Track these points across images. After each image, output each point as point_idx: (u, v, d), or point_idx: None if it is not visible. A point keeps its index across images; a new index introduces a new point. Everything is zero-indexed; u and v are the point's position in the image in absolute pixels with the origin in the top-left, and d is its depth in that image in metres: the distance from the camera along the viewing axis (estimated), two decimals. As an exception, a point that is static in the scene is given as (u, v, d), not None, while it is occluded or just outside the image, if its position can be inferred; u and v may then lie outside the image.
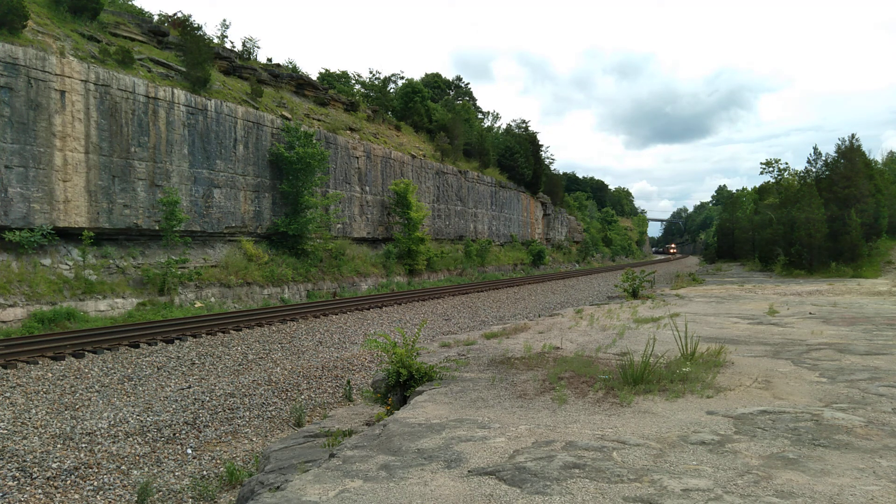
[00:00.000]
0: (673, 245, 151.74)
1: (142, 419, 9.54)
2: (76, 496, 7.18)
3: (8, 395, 10.43)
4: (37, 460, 7.76)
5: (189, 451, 8.74)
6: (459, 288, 33.56)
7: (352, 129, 35.74)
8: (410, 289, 32.79)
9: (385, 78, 54.20)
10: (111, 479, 7.64)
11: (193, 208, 23.73)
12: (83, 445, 8.39)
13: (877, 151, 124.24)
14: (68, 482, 7.42)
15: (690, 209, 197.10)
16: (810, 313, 14.19)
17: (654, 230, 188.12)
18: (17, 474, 7.39)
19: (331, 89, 41.06)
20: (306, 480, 4.34)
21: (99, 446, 8.44)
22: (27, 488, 7.15)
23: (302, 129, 28.63)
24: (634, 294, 21.14)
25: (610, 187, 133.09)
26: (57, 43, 19.85)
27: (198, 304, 21.69)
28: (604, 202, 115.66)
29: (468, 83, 72.11)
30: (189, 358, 13.88)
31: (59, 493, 7.18)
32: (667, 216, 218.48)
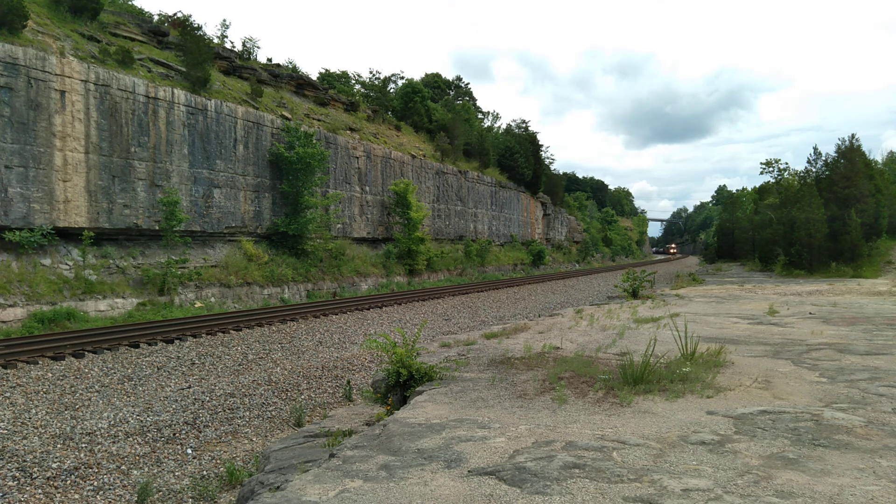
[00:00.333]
0: (673, 245, 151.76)
1: (142, 419, 9.54)
2: (76, 496, 7.18)
3: (8, 395, 10.43)
4: (37, 460, 7.76)
5: (189, 451, 8.74)
6: (459, 288, 33.56)
7: (352, 129, 35.74)
8: (410, 289, 32.79)
9: (385, 78, 54.24)
10: (111, 479, 7.64)
11: (193, 208, 23.73)
12: (83, 445, 8.39)
13: (877, 151, 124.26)
14: (68, 482, 7.42)
15: (690, 209, 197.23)
16: (810, 313, 14.19)
17: (654, 230, 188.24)
18: (17, 474, 7.39)
19: (331, 89, 41.06)
20: (306, 480, 4.34)
21: (99, 446, 8.44)
22: (27, 488, 7.15)
23: (302, 129, 28.63)
24: (634, 294, 21.15)
25: (610, 187, 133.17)
26: (57, 43, 19.85)
27: (198, 304, 21.69)
28: (604, 202, 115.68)
29: (468, 83, 72.14)
30: (189, 358, 13.88)
31: (59, 493, 7.18)
32: (667, 216, 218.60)
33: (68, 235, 19.64)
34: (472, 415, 5.91)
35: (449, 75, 72.01)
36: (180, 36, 26.65)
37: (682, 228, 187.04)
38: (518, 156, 58.36)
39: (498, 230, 54.02)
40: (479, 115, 70.87)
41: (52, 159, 18.80)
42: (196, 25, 29.09)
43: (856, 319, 12.83)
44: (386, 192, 36.64)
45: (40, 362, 12.69)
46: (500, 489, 3.94)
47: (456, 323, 20.73)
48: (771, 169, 56.95)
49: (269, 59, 37.60)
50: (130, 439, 8.79)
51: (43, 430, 8.89)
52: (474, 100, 70.93)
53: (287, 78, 34.50)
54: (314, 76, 45.38)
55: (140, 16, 27.93)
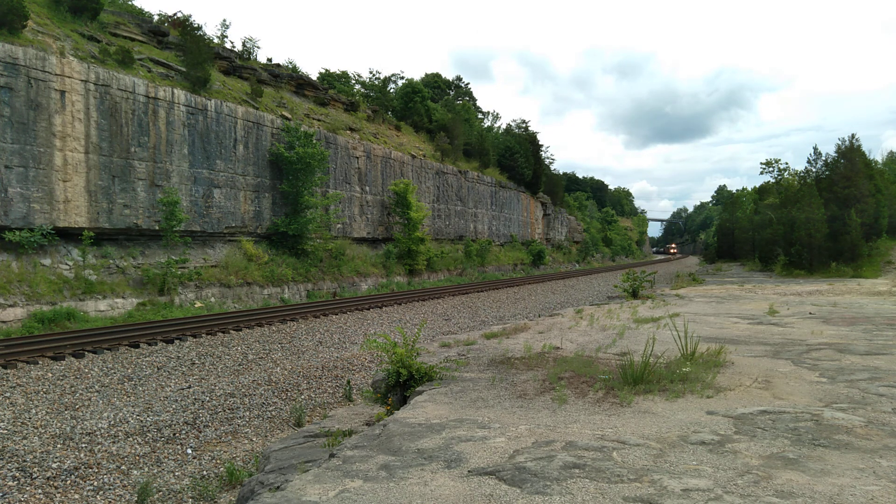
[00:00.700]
0: (673, 245, 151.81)
1: (142, 419, 9.54)
2: (76, 496, 7.18)
3: (8, 395, 10.43)
4: (37, 460, 7.76)
5: (189, 451, 8.74)
6: (459, 288, 33.56)
7: (352, 129, 35.74)
8: (410, 289, 32.79)
9: (385, 78, 54.24)
10: (111, 479, 7.64)
11: (193, 208, 23.74)
12: (83, 445, 8.39)
13: (877, 151, 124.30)
14: (68, 482, 7.42)
15: (690, 209, 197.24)
16: (810, 313, 14.19)
17: (654, 230, 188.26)
18: (17, 474, 7.39)
19: (331, 89, 41.06)
20: (306, 480, 4.34)
21: (99, 446, 8.44)
22: (27, 488, 7.15)
23: (302, 129, 28.63)
24: (634, 294, 21.15)
25: (610, 187, 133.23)
26: (57, 43, 19.85)
27: (198, 304, 21.69)
28: (604, 202, 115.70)
29: (468, 83, 72.14)
30: (189, 358, 13.88)
31: (59, 493, 7.18)
32: (667, 216, 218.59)
33: (68, 235, 19.64)
34: (472, 415, 5.91)
35: (449, 75, 72.07)
36: (180, 36, 26.65)
37: (682, 228, 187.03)
38: (518, 156, 58.36)
39: (498, 230, 54.02)
40: (479, 115, 70.89)
41: (52, 159, 18.80)
42: (196, 25, 29.11)
43: (856, 319, 12.83)
44: (386, 192, 36.64)
45: (40, 362, 12.69)
46: (500, 489, 3.94)
47: (456, 323, 20.73)
48: (771, 169, 57.00)
49: (269, 59, 37.62)
50: (130, 439, 8.79)
51: (43, 430, 8.89)
52: (474, 100, 70.95)
53: (287, 78, 34.50)
54: (314, 76, 45.41)
55: (140, 16, 27.93)
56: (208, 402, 10.55)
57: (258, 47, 40.86)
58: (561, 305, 26.36)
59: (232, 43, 34.81)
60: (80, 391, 10.96)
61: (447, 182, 44.86)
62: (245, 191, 26.28)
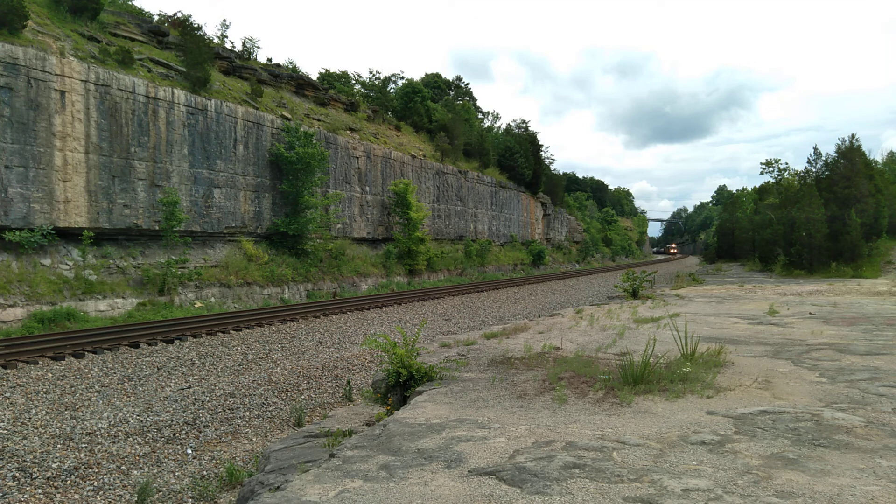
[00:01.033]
0: (674, 245, 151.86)
1: (142, 419, 9.54)
2: (76, 496, 7.18)
3: (8, 395, 10.43)
4: (37, 460, 7.76)
5: (189, 451, 8.74)
6: (459, 288, 33.56)
7: (352, 129, 35.74)
8: (410, 289, 32.79)
9: (385, 78, 54.26)
10: (111, 479, 7.64)
11: (193, 208, 23.74)
12: (83, 445, 8.39)
13: (877, 151, 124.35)
14: (68, 482, 7.42)
15: (690, 209, 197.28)
16: (810, 313, 14.19)
17: (654, 230, 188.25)
18: (17, 474, 7.39)
19: (331, 89, 41.07)
20: (306, 480, 4.34)
21: (99, 446, 8.44)
22: (27, 488, 7.15)
23: (302, 129, 28.63)
24: (634, 294, 21.15)
25: (610, 187, 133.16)
26: (57, 43, 19.85)
27: (198, 304, 21.69)
28: (604, 202, 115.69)
29: (468, 83, 72.15)
30: (189, 358, 13.88)
31: (59, 493, 7.18)
32: (667, 216, 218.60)
33: (68, 235, 19.64)
34: (472, 415, 5.91)
35: (448, 75, 72.05)
36: (180, 36, 26.65)
37: (682, 228, 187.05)
38: (518, 156, 58.37)
39: (498, 230, 54.03)
40: (479, 115, 70.91)
41: (52, 159, 18.81)
42: (196, 25, 29.11)
43: (856, 319, 12.83)
44: (386, 192, 36.65)
45: (40, 362, 12.69)
46: (500, 489, 3.94)
47: (456, 323, 20.73)
48: (771, 169, 57.01)
49: (269, 59, 37.62)
50: (130, 439, 8.79)
51: (43, 430, 8.89)
52: (474, 100, 70.98)
53: (287, 78, 34.50)
54: (314, 76, 45.41)
55: (140, 16, 27.93)
56: (208, 402, 10.55)
57: (258, 47, 40.89)
58: (561, 305, 26.36)
59: (232, 43, 34.84)
60: (80, 391, 10.96)
61: (447, 182, 44.87)
62: (245, 191, 26.28)
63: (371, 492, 3.99)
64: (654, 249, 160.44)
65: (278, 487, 4.34)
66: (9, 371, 11.84)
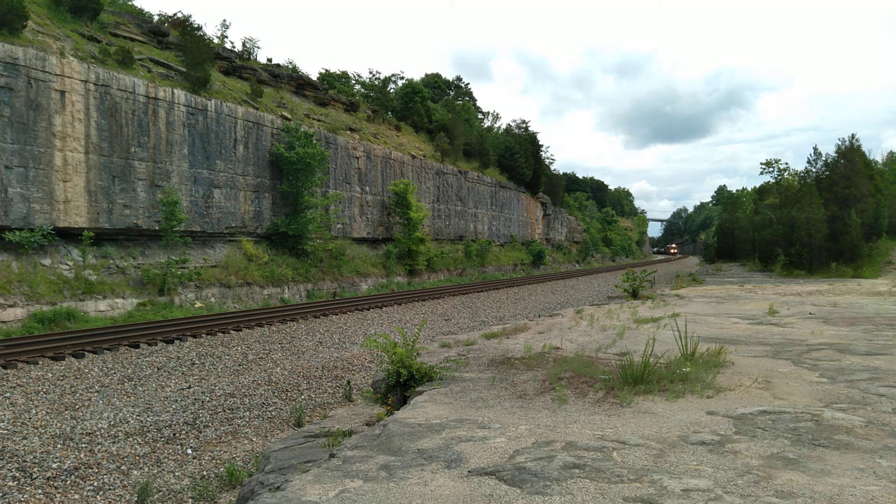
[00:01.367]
0: (674, 245, 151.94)
1: (142, 419, 9.54)
2: (76, 496, 7.18)
3: (8, 395, 10.42)
4: (37, 460, 7.76)
5: (189, 451, 8.74)
6: (459, 288, 33.56)
7: (352, 130, 35.74)
8: (410, 289, 32.79)
9: (385, 78, 54.25)
10: (111, 479, 7.64)
11: (193, 208, 23.74)
12: (83, 445, 8.39)
13: (877, 151, 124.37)
14: (68, 482, 7.42)
15: (690, 209, 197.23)
16: (810, 313, 14.19)
17: (654, 230, 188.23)
18: (17, 474, 7.39)
19: (331, 89, 41.06)
20: (306, 480, 4.34)
21: (99, 446, 8.43)
22: (27, 488, 7.15)
23: (302, 130, 28.63)
24: (634, 294, 21.15)
25: (610, 187, 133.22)
26: (57, 43, 19.85)
27: (198, 305, 21.69)
28: (604, 202, 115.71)
29: (468, 83, 72.10)
30: (189, 358, 13.88)
31: (59, 493, 7.18)
32: (667, 216, 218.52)
33: (68, 235, 19.64)
34: (472, 415, 5.91)
35: (448, 75, 71.99)
36: (180, 36, 26.64)
37: (682, 228, 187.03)
38: (518, 156, 58.37)
39: (498, 230, 54.02)
40: (479, 116, 70.89)
41: (52, 159, 18.80)
42: (196, 25, 29.11)
43: (856, 320, 12.83)
44: (386, 192, 36.64)
45: (40, 362, 12.69)
46: (500, 489, 3.94)
47: (456, 323, 20.73)
48: (771, 169, 57.02)
49: (269, 60, 37.62)
50: (130, 439, 8.79)
51: (43, 430, 8.88)
52: (474, 100, 70.96)
53: (287, 78, 34.50)
54: (314, 76, 45.40)
55: (140, 16, 27.93)
56: (208, 402, 10.55)
57: (258, 47, 40.89)
58: (561, 305, 26.36)
59: (232, 43, 34.84)
60: (80, 391, 10.96)
61: (447, 182, 44.86)
62: (245, 191, 26.28)
63: (371, 492, 3.99)
64: (654, 249, 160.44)
65: (278, 487, 4.34)
66: (9, 371, 11.84)
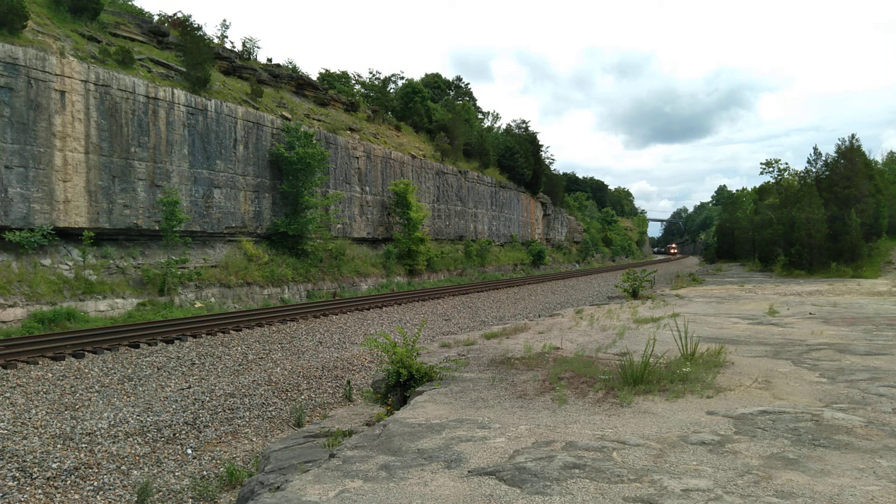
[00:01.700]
0: (674, 245, 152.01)
1: (142, 419, 9.54)
2: (76, 496, 7.18)
3: (8, 395, 10.42)
4: (37, 460, 7.76)
5: (189, 451, 8.74)
6: (459, 288, 33.56)
7: (352, 130, 35.74)
8: (410, 289, 32.79)
9: (385, 78, 54.24)
10: (111, 479, 7.64)
11: (193, 208, 23.74)
12: (83, 445, 8.39)
13: (877, 151, 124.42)
14: (68, 482, 7.42)
15: (690, 209, 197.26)
16: (810, 313, 14.19)
17: (654, 230, 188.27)
18: (17, 474, 7.39)
19: (331, 89, 41.06)
20: (306, 480, 4.34)
21: (99, 446, 8.44)
22: (27, 488, 7.15)
23: (302, 130, 28.63)
24: (634, 294, 21.16)
25: (610, 187, 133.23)
26: (57, 43, 19.85)
27: (198, 305, 21.69)
28: (604, 202, 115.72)
29: (468, 83, 72.11)
30: (189, 358, 13.88)
31: (59, 493, 7.18)
32: (667, 216, 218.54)
33: (68, 235, 19.64)
34: (472, 415, 5.91)
35: (448, 75, 72.05)
36: (180, 36, 26.65)
37: (682, 228, 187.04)
38: (518, 156, 58.37)
39: (498, 230, 54.02)
40: (479, 116, 70.89)
41: (52, 159, 18.80)
42: (196, 25, 29.11)
43: (856, 320, 12.83)
44: (386, 192, 36.64)
45: (40, 362, 12.69)
46: (500, 489, 3.94)
47: (456, 323, 20.73)
48: (771, 169, 57.05)
49: (269, 60, 37.62)
50: (130, 439, 8.79)
51: (43, 430, 8.88)
52: (474, 100, 70.95)
53: (287, 78, 34.50)
54: (314, 76, 45.41)
55: (140, 16, 27.93)
56: (208, 402, 10.55)
57: (258, 47, 40.88)
58: (561, 305, 26.36)
59: (232, 43, 34.84)
60: (80, 391, 10.96)
61: (447, 182, 44.86)
62: (245, 191, 26.28)
63: (371, 492, 3.99)
64: (655, 249, 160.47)
65: (278, 487, 4.34)
66: (9, 371, 11.84)
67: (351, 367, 13.33)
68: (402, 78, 56.62)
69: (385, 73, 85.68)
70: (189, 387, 11.59)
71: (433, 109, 51.78)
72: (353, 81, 53.06)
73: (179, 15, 30.18)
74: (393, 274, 34.41)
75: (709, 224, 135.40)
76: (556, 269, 60.45)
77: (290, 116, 29.86)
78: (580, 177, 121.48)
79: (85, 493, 7.26)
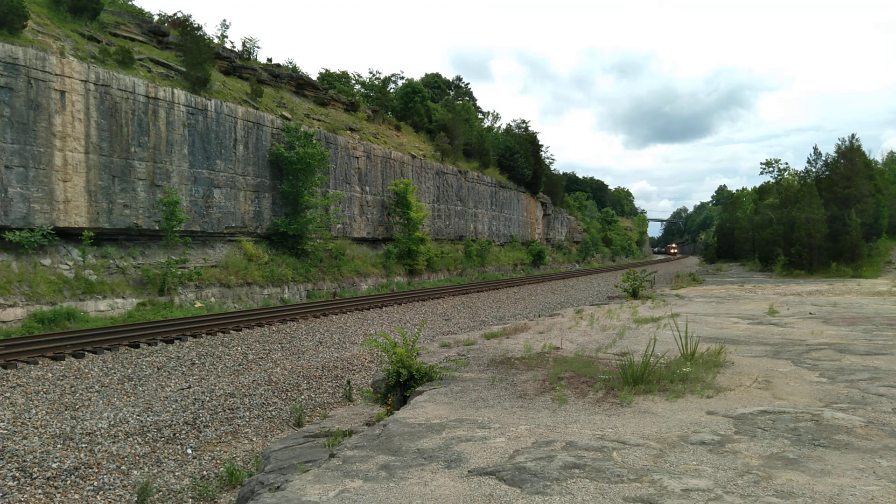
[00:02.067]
0: (674, 245, 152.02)
1: (142, 419, 9.54)
2: (76, 496, 7.18)
3: (8, 395, 10.43)
4: (37, 460, 7.76)
5: (189, 451, 8.74)
6: (459, 288, 33.56)
7: (352, 129, 35.74)
8: (410, 289, 32.79)
9: (385, 78, 54.25)
10: (111, 479, 7.64)
11: (193, 208, 23.73)
12: (83, 445, 8.39)
13: (877, 151, 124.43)
14: (68, 482, 7.42)
15: (690, 209, 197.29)
16: (810, 313, 14.19)
17: (654, 230, 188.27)
18: (17, 474, 7.39)
19: (331, 89, 41.06)
20: (306, 480, 4.34)
21: (99, 446, 8.44)
22: (27, 488, 7.15)
23: (302, 129, 28.63)
24: (634, 294, 21.16)
25: (610, 187, 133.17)
26: (57, 43, 19.85)
27: (198, 304, 21.69)
28: (604, 202, 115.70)
29: (468, 83, 72.20)
30: (189, 358, 13.88)
31: (59, 493, 7.18)
32: (667, 216, 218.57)
33: (68, 235, 19.64)
34: (472, 415, 5.91)
35: (448, 75, 72.11)
36: (180, 36, 26.65)
37: (682, 228, 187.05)
38: (518, 156, 58.37)
39: (498, 230, 54.02)
40: (479, 116, 70.89)
41: (52, 159, 18.80)
42: (196, 25, 29.10)
43: (856, 319, 12.83)
44: (386, 192, 36.64)
45: (40, 362, 12.69)
46: (500, 489, 3.94)
47: (456, 323, 20.72)
48: (771, 169, 57.06)
49: (269, 59, 37.62)
50: (130, 439, 8.79)
51: (43, 430, 8.88)
52: (474, 100, 70.95)
53: (287, 78, 34.49)
54: (314, 76, 45.42)
55: (140, 16, 27.93)
56: (208, 402, 10.55)
57: (258, 47, 40.87)
58: (561, 305, 26.36)
59: (232, 43, 34.84)
60: (80, 391, 10.96)
61: (447, 182, 44.86)
62: (245, 191, 26.28)
63: (371, 492, 3.99)
64: (655, 249, 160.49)
65: (278, 487, 4.34)
66: (9, 371, 11.84)
67: (351, 366, 13.33)
68: (402, 78, 56.68)
69: (385, 73, 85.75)
70: (189, 387, 11.59)
71: (433, 109, 51.78)
72: (353, 81, 53.07)
73: (179, 15, 30.19)
74: (393, 274, 34.41)
75: (709, 224, 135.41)
76: (556, 269, 60.45)
77: (290, 116, 29.86)
78: (580, 177, 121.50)
79: (85, 493, 7.26)
